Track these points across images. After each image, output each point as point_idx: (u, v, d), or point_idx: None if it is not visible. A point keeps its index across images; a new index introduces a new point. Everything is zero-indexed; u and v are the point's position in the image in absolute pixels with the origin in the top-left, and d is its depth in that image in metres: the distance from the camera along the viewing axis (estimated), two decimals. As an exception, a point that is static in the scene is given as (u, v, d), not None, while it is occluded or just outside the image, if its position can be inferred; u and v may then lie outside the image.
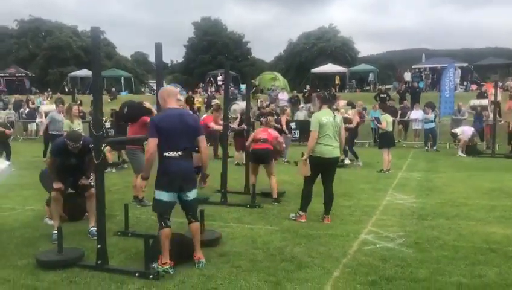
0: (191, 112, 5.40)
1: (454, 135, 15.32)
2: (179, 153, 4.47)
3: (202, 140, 4.73)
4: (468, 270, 4.51)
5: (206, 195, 7.63)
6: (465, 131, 14.73)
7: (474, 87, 27.74)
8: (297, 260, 4.83)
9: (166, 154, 4.46)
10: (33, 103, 23.56)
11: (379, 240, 5.55)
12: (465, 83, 30.62)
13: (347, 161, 12.12)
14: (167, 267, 4.44)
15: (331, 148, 6.33)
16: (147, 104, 7.56)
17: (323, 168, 6.42)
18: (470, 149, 14.50)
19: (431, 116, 15.95)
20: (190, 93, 27.54)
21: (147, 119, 7.24)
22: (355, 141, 13.64)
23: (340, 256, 4.95)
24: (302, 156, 6.51)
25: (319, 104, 6.61)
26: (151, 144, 4.42)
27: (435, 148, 15.78)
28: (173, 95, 4.71)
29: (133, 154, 7.47)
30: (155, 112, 7.45)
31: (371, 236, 5.72)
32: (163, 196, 4.47)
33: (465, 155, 14.27)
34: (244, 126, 9.64)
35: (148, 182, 4.83)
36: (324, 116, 6.35)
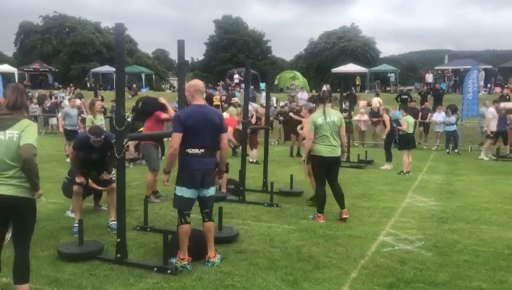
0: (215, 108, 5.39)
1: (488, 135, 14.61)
2: (202, 150, 4.47)
3: (224, 137, 4.72)
4: (489, 276, 4.43)
5: (224, 192, 7.68)
6: (488, 112, 14.33)
7: (498, 89, 27.21)
8: (315, 259, 4.82)
9: (189, 150, 4.44)
10: (56, 98, 24.02)
11: (398, 242, 5.50)
12: (488, 85, 30.05)
13: (387, 167, 11.90)
14: (185, 263, 4.48)
15: (329, 148, 6.39)
16: (162, 100, 7.59)
17: (323, 167, 6.45)
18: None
19: (452, 118, 15.70)
20: (210, 91, 27.67)
21: (161, 114, 7.31)
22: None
23: (358, 257, 4.92)
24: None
25: (317, 104, 6.74)
26: (176, 139, 4.39)
27: (456, 150, 15.55)
28: (200, 91, 4.66)
29: (147, 149, 7.52)
30: (169, 107, 7.52)
31: (390, 238, 5.66)
32: (185, 192, 4.47)
33: (487, 158, 13.99)
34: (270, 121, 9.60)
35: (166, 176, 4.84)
36: (319, 117, 6.42)
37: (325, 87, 28.50)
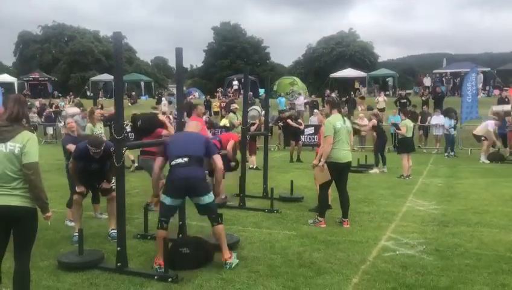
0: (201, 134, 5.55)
1: (478, 138, 14.86)
2: (186, 159, 4.62)
3: (216, 158, 4.87)
4: (491, 279, 4.41)
5: (223, 198, 7.67)
6: (488, 124, 14.36)
7: (497, 92, 27.23)
8: (316, 265, 4.80)
9: (172, 162, 4.66)
10: (57, 107, 24.06)
11: (399, 246, 5.48)
12: (487, 88, 30.09)
13: (375, 170, 11.92)
14: (156, 267, 4.59)
15: (345, 153, 6.41)
16: (161, 117, 7.69)
17: (338, 173, 6.41)
18: (493, 155, 14.21)
19: (452, 122, 15.69)
20: (208, 97, 27.72)
21: (162, 131, 7.37)
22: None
23: (360, 263, 4.90)
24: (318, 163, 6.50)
25: (330, 109, 6.65)
26: (156, 163, 4.84)
27: (452, 153, 15.52)
28: (192, 127, 5.24)
29: (147, 163, 7.55)
30: (168, 124, 7.57)
31: (391, 243, 5.64)
32: (166, 200, 4.68)
33: (488, 161, 14.00)
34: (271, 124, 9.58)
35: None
36: (337, 121, 6.39)
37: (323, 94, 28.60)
